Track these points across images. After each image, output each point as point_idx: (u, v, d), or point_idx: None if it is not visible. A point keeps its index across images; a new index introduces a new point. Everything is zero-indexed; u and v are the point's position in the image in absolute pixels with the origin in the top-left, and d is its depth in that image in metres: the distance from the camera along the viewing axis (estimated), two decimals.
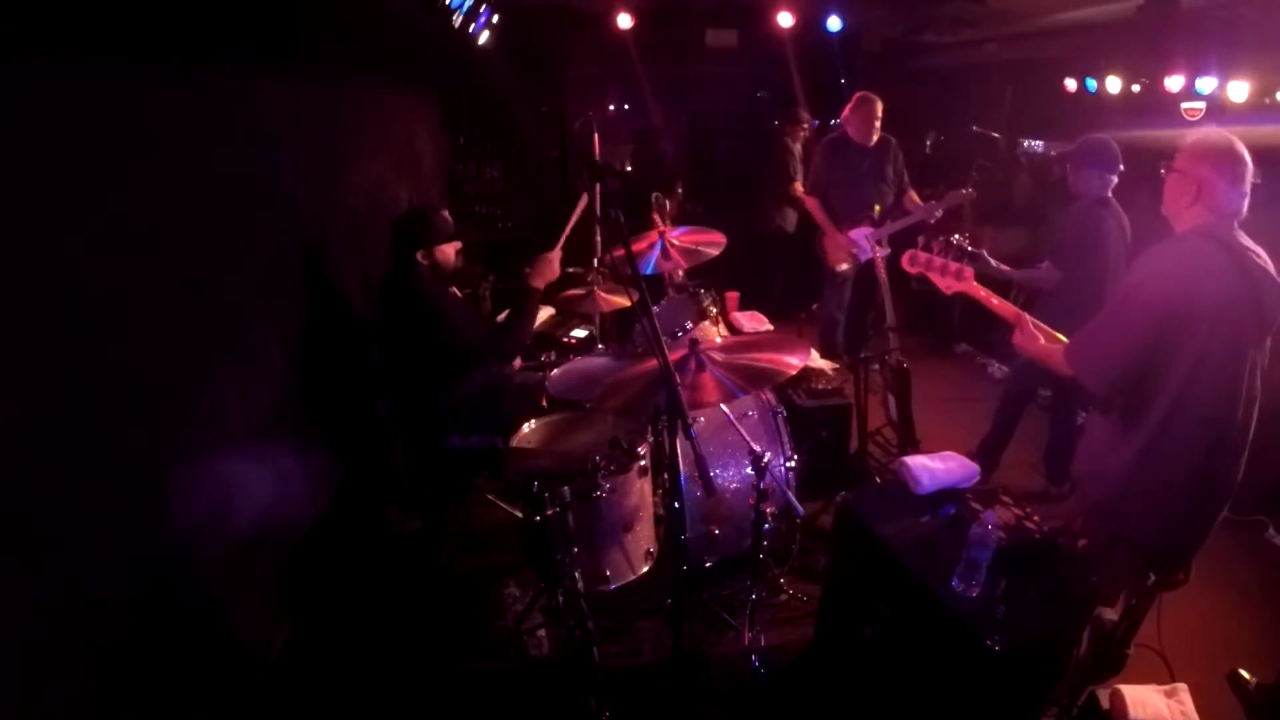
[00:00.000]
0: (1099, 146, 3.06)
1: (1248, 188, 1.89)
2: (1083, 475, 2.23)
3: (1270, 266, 1.89)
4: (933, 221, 4.29)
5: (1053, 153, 5.98)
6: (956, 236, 2.74)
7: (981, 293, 2.24)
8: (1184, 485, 1.93)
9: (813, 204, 4.49)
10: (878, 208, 4.24)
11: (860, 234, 4.27)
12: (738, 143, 7.03)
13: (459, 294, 2.98)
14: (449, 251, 2.85)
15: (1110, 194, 3.08)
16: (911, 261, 2.35)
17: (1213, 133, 1.96)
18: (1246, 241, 1.90)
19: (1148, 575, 2.05)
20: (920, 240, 2.32)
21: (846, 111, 4.31)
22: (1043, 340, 2.13)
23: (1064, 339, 2.11)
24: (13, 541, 1.44)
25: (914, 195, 4.47)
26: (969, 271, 2.26)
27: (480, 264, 4.93)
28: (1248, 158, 1.89)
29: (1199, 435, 1.91)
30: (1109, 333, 1.98)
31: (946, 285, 2.29)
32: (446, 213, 2.90)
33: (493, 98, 5.62)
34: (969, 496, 2.16)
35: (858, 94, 4.28)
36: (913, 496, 2.23)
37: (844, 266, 4.43)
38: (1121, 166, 3.03)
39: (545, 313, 4.28)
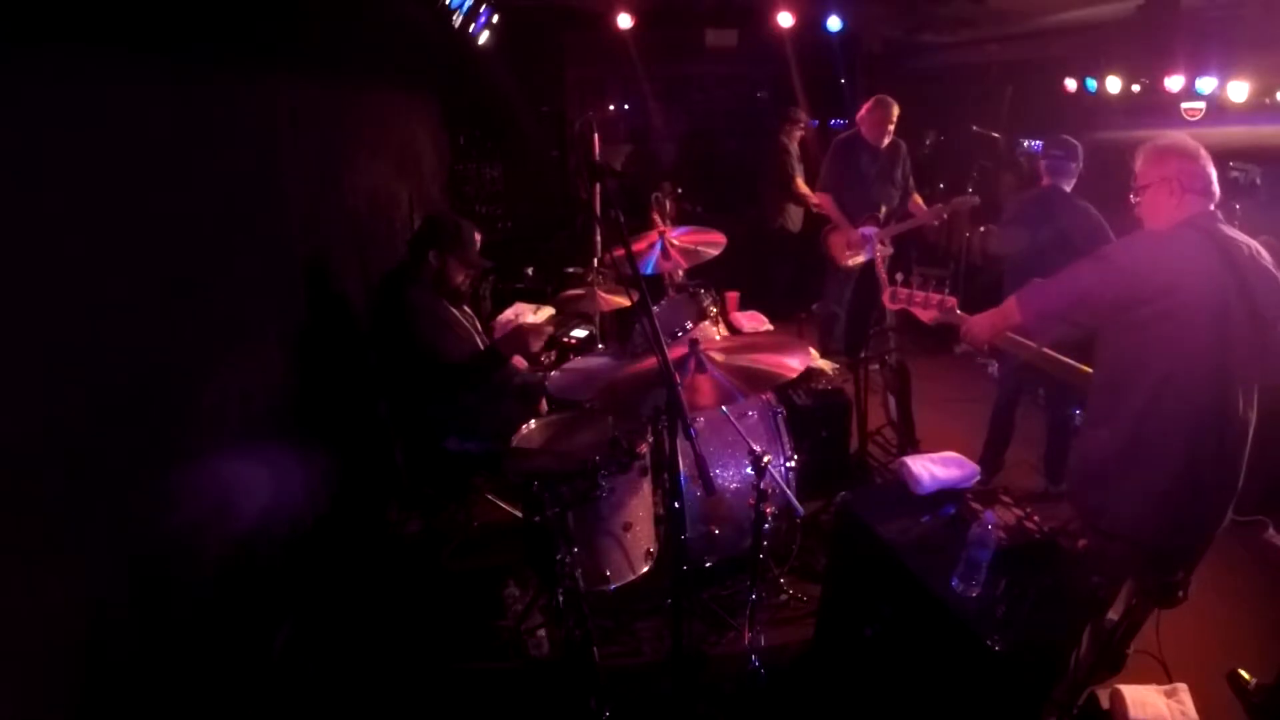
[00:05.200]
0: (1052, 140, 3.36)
1: (1209, 158, 1.94)
2: (1072, 474, 2.23)
3: (1265, 258, 1.89)
4: (937, 224, 4.33)
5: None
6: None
7: (957, 316, 2.27)
8: (1169, 480, 1.92)
9: (825, 199, 4.54)
10: (884, 209, 4.29)
11: (867, 232, 4.31)
12: (738, 142, 7.01)
13: (452, 309, 2.97)
14: (458, 273, 2.87)
15: (1059, 184, 3.23)
16: (893, 299, 2.37)
17: (1153, 139, 2.03)
18: (1233, 233, 1.90)
19: (1149, 575, 2.04)
20: (902, 278, 2.38)
21: (863, 111, 4.36)
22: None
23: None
24: (13, 541, 1.45)
25: (918, 199, 4.52)
26: (951, 301, 2.28)
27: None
28: (1190, 139, 1.98)
29: (1182, 425, 1.89)
30: (1061, 281, 2.03)
31: (929, 317, 2.32)
32: (479, 237, 2.93)
33: (493, 98, 5.61)
34: (969, 496, 2.16)
35: (875, 96, 4.33)
36: (913, 496, 2.23)
37: (850, 263, 4.47)
38: (1056, 151, 3.24)
39: (545, 312, 4.28)
